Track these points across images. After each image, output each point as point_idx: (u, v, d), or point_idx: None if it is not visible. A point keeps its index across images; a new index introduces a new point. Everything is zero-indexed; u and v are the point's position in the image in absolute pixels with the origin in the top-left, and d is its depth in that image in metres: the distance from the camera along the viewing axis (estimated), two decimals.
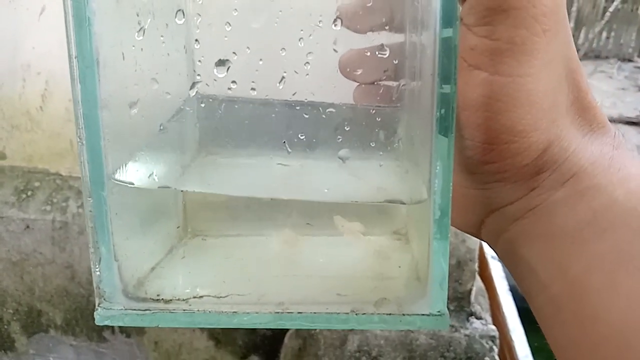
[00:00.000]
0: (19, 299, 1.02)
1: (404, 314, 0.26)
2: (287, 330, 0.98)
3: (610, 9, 4.56)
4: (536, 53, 0.23)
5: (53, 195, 1.03)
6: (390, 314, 0.26)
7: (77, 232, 1.00)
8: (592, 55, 4.68)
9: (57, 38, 0.97)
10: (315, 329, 0.94)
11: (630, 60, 4.74)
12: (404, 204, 0.26)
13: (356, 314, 0.25)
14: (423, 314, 0.25)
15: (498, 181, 0.26)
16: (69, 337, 1.03)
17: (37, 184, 1.04)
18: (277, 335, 0.98)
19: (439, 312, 0.25)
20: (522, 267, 0.26)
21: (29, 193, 1.03)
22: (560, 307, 0.24)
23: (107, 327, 1.02)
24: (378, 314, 0.26)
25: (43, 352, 1.04)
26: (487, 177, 0.26)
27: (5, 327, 1.03)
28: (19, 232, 1.01)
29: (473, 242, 0.95)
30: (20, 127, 1.03)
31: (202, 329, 1.00)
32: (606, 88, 3.95)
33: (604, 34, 4.74)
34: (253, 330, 0.99)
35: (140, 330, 1.02)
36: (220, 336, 1.00)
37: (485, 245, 1.20)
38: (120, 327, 1.02)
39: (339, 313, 0.25)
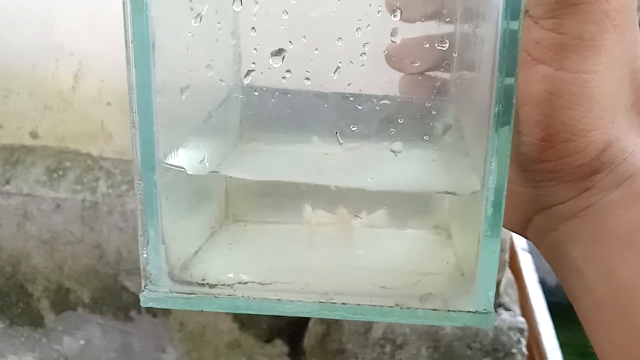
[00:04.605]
0: (49, 277, 1.04)
1: (449, 310, 0.25)
2: None
3: None
4: (604, 50, 0.23)
5: (83, 175, 1.04)
6: (435, 310, 0.25)
7: (106, 212, 1.01)
8: None
9: (91, 18, 0.98)
10: None
11: None
12: (455, 195, 0.26)
13: (400, 308, 0.25)
14: (469, 311, 0.25)
15: (551, 180, 0.25)
16: (96, 315, 1.05)
17: (68, 163, 1.05)
18: (301, 320, 0.99)
19: (484, 309, 0.25)
20: (568, 268, 0.26)
21: (60, 173, 1.05)
22: (606, 311, 0.24)
23: (133, 307, 1.03)
24: (423, 309, 0.25)
25: (71, 329, 1.06)
26: (540, 175, 0.25)
27: (35, 303, 1.05)
28: (49, 211, 1.03)
29: (505, 233, 0.94)
30: (53, 107, 1.04)
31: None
32: None
33: None
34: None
35: (166, 311, 1.03)
36: (245, 319, 1.01)
37: (515, 236, 1.19)
38: (146, 307, 1.03)
39: (382, 306, 0.25)
